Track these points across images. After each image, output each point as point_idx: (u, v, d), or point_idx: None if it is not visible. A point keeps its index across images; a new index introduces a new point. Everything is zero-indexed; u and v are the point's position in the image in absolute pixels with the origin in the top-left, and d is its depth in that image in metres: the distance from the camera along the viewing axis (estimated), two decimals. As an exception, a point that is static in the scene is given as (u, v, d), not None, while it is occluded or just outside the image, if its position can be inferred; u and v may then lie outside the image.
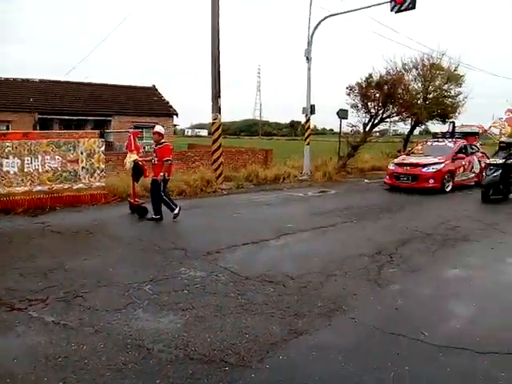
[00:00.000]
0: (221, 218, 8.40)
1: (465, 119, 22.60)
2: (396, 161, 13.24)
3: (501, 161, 10.26)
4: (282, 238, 6.72)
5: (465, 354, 3.29)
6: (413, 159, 12.87)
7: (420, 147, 14.27)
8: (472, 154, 13.70)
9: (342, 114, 15.44)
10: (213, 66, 12.12)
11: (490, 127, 16.94)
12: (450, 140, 13.95)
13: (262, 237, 6.70)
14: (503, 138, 11.74)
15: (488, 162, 10.80)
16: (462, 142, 13.61)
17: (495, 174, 10.11)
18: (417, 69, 18.25)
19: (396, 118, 16.43)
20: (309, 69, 14.18)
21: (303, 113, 14.67)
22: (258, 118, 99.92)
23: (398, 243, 6.45)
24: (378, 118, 15.72)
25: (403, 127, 19.68)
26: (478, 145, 15.00)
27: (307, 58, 14.09)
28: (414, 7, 11.30)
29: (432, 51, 18.68)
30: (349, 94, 15.57)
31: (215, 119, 12.19)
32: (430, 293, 4.58)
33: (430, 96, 18.30)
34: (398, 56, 24.45)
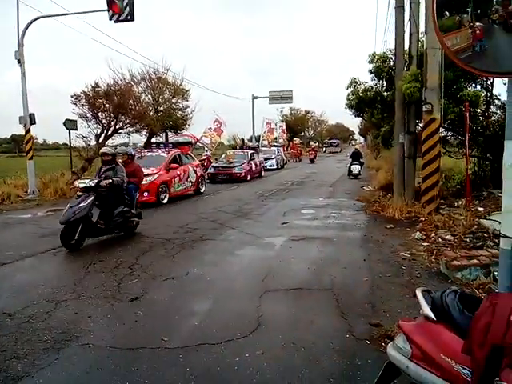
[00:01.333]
0: None
1: (195, 130, 24.74)
2: None
3: (93, 182, 6.88)
4: (-3, 270, 5.50)
5: (203, 349, 3.33)
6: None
7: None
8: (187, 163, 13.72)
9: (70, 125, 14.26)
10: None
11: (202, 137, 18.18)
12: (163, 150, 13.47)
13: (-32, 272, 5.33)
14: (104, 149, 7.75)
15: (77, 184, 7.19)
16: (175, 152, 13.29)
17: (82, 205, 6.51)
18: (145, 81, 18.83)
19: (130, 129, 16.37)
20: (23, 73, 12.49)
21: (21, 123, 12.75)
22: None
23: (138, 253, 6.27)
24: (111, 128, 15.27)
25: (142, 139, 19.84)
26: (191, 154, 15.10)
27: (19, 62, 12.38)
28: (132, 19, 11.40)
29: (157, 65, 19.63)
30: (75, 104, 14.54)
31: None
32: (169, 297, 4.52)
33: (161, 108, 19.15)
34: (124, 67, 24.54)
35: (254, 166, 20.15)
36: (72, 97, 14.46)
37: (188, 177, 13.31)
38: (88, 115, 14.52)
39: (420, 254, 6.08)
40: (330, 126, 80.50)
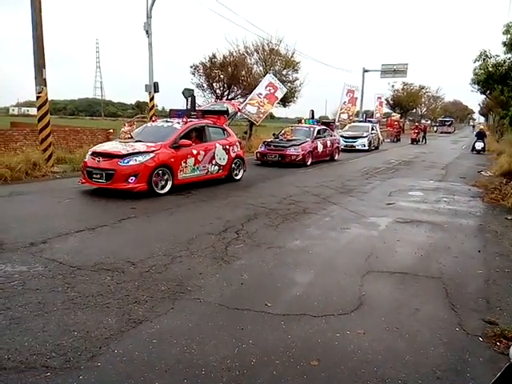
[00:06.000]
0: (50, 205, 7.35)
1: (301, 103, 24.37)
2: (93, 149, 8.93)
3: None
4: (123, 223, 6.18)
5: (304, 319, 3.41)
6: (111, 146, 8.82)
7: (128, 128, 9.57)
8: (216, 139, 10.15)
9: (188, 94, 15.09)
10: (34, 32, 10.46)
11: (246, 105, 14.36)
12: (179, 120, 9.77)
13: (100, 222, 6.06)
14: None
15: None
16: (195, 123, 9.77)
17: None
18: (258, 53, 19.04)
19: (241, 100, 16.86)
20: (150, 44, 13.52)
21: (146, 90, 13.95)
22: (100, 97, 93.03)
23: (244, 219, 6.55)
24: (224, 98, 15.90)
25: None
26: (226, 127, 11.05)
27: (147, 32, 13.39)
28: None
29: (270, 37, 19.71)
30: (193, 74, 15.44)
31: (40, 93, 10.59)
32: (273, 265, 4.68)
33: (272, 80, 19.32)
34: (239, 39, 25.03)
35: (320, 147, 15.66)
36: (191, 67, 15.34)
37: (213, 158, 9.86)
38: (204, 85, 15.29)
39: (547, 252, 5.43)
40: (446, 103, 73.97)
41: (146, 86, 13.89)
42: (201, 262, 4.63)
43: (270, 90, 16.31)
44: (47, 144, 10.83)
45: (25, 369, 2.62)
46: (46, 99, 10.80)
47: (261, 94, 16.12)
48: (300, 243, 5.53)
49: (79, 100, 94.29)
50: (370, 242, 5.71)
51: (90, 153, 8.67)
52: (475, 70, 11.15)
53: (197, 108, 11.36)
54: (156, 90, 13.93)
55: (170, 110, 11.62)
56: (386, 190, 10.07)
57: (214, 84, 15.27)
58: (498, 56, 10.98)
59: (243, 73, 16.04)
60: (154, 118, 10.69)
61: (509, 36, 10.27)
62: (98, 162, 8.22)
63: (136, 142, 8.82)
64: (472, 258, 5.17)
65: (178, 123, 9.54)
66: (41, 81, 10.61)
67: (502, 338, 3.18)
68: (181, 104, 14.91)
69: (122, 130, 9.47)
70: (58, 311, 3.35)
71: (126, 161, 8.06)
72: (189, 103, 11.20)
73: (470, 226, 6.76)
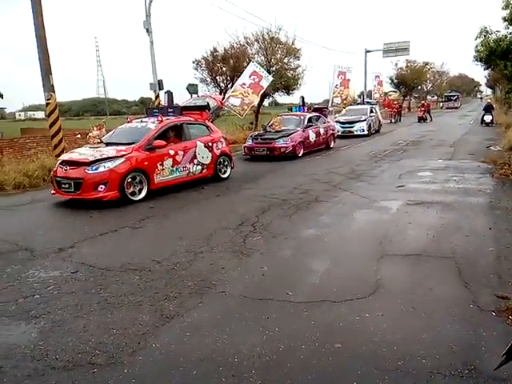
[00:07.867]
0: (71, 210, 7.58)
1: (307, 89, 24.26)
2: (61, 157, 8.65)
3: None
4: (143, 223, 6.41)
5: (325, 305, 3.61)
6: (78, 153, 8.21)
7: (96, 132, 9.03)
8: (196, 137, 9.39)
9: (192, 89, 15.35)
10: (38, 38, 10.64)
11: (229, 97, 13.25)
12: (154, 119, 9.09)
13: (121, 224, 6.30)
14: None
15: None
16: (172, 122, 9.09)
17: None
18: (258, 42, 19.06)
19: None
20: (151, 42, 13.66)
21: (151, 89, 14.15)
22: (103, 96, 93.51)
23: (258, 211, 6.74)
24: (229, 92, 16.04)
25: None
26: (209, 123, 10.38)
27: (147, 30, 13.52)
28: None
29: (270, 25, 19.69)
30: (196, 69, 15.58)
31: (49, 99, 10.84)
32: (290, 254, 4.89)
33: (273, 69, 19.36)
34: (239, 30, 25.07)
35: (313, 136, 14.49)
36: (193, 62, 15.48)
37: (194, 157, 9.19)
38: (207, 79, 15.42)
39: (558, 226, 5.55)
40: (452, 77, 72.86)
41: (150, 84, 14.09)
42: (222, 256, 4.85)
43: (254, 79, 15.54)
44: (60, 150, 11.09)
45: (73, 367, 2.86)
46: (56, 105, 11.05)
47: (244, 84, 15.34)
48: (314, 232, 5.73)
49: (83, 100, 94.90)
50: (382, 226, 5.88)
51: (59, 161, 8.22)
52: (477, 47, 11.12)
53: (177, 104, 10.96)
54: (161, 87, 14.12)
55: (147, 108, 11.22)
56: (395, 172, 10.18)
57: (218, 77, 15.47)
58: (498, 31, 10.94)
59: (245, 64, 16.14)
60: (128, 119, 10.03)
61: (508, 11, 10.22)
62: (66, 170, 7.74)
63: (106, 146, 8.30)
64: (483, 235, 5.31)
65: (153, 123, 8.88)
66: (49, 87, 10.84)
67: (514, 312, 3.35)
68: (186, 98, 15.02)
69: (90, 134, 9.03)
70: (95, 312, 3.60)
71: (93, 168, 7.52)
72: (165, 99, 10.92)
73: (480, 204, 6.88)
